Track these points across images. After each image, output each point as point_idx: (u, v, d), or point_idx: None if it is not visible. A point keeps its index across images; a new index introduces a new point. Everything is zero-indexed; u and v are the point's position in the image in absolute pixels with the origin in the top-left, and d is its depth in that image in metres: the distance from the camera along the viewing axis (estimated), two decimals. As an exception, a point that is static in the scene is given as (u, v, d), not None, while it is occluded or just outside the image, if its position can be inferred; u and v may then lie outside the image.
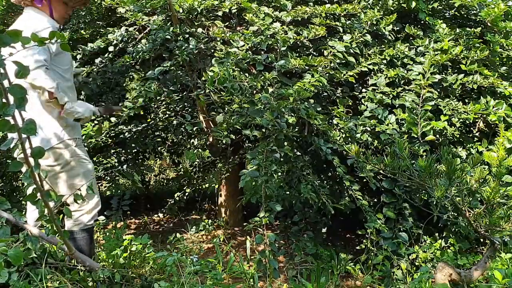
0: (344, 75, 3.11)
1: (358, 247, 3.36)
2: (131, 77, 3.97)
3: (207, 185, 4.93)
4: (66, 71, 2.53)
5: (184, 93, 3.89)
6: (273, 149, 2.66)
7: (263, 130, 2.83)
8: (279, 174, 3.06)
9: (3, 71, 1.28)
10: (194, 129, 3.73)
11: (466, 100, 3.24)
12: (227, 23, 3.43)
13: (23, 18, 2.49)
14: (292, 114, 2.82)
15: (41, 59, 2.23)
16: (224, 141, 2.84)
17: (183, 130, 3.86)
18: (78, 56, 3.44)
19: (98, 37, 3.57)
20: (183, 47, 3.13)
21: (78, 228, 2.54)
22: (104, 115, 2.73)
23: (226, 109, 3.33)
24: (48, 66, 2.31)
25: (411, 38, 3.36)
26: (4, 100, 1.30)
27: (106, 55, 3.50)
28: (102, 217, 3.79)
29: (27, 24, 2.40)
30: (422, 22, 3.44)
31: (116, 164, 4.20)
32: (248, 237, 3.77)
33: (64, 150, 2.46)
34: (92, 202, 2.57)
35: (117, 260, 2.76)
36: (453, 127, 3.01)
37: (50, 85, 2.27)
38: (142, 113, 4.33)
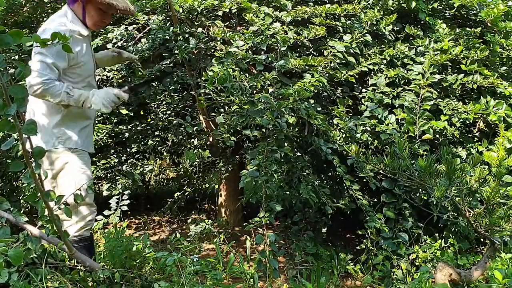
0: (344, 75, 3.11)
1: (358, 247, 3.36)
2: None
3: (207, 185, 4.93)
4: (78, 82, 2.44)
5: (185, 93, 3.89)
6: (273, 149, 2.66)
7: (263, 130, 2.83)
8: (279, 174, 3.06)
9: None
10: (194, 129, 3.73)
11: (466, 100, 3.24)
12: (227, 23, 3.43)
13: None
14: (292, 114, 2.82)
15: (41, 80, 2.20)
16: (227, 144, 2.82)
17: (183, 130, 3.86)
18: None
19: (97, 36, 3.57)
20: (183, 46, 3.13)
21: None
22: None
23: (226, 109, 3.34)
24: (54, 80, 2.26)
25: (411, 38, 3.37)
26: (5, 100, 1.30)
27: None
28: (100, 217, 3.79)
29: (43, 26, 2.39)
30: (422, 22, 3.44)
31: (116, 164, 4.20)
32: (248, 237, 3.77)
33: (58, 156, 2.39)
34: (80, 213, 2.40)
35: (117, 260, 2.76)
36: (453, 127, 3.01)
37: (56, 100, 2.27)
38: (142, 113, 4.34)
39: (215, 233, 4.07)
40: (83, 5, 2.37)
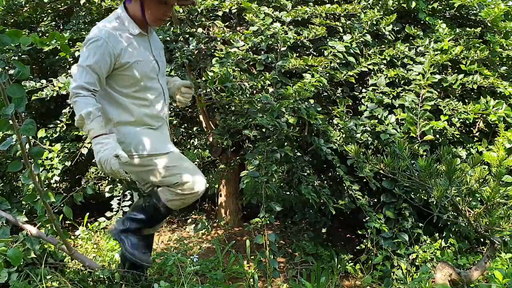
0: (344, 75, 3.10)
1: (358, 247, 3.36)
2: None
3: (207, 185, 4.92)
4: (127, 87, 2.22)
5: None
6: (274, 149, 2.66)
7: (263, 130, 2.83)
8: (279, 174, 3.06)
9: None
10: (194, 129, 3.73)
11: (466, 100, 3.24)
12: (227, 23, 3.43)
13: None
14: (293, 114, 2.83)
15: (75, 85, 2.02)
16: (225, 143, 2.81)
17: (183, 130, 3.86)
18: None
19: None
20: (183, 49, 3.12)
21: None
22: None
23: (226, 109, 3.34)
24: (85, 91, 2.04)
25: (411, 38, 3.36)
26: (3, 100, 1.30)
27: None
28: (102, 219, 3.79)
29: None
30: (422, 22, 3.44)
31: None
32: (248, 237, 3.76)
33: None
34: None
35: (117, 260, 2.75)
36: (453, 127, 3.01)
37: (76, 116, 2.02)
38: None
39: (215, 233, 4.07)
40: (141, 2, 2.18)
